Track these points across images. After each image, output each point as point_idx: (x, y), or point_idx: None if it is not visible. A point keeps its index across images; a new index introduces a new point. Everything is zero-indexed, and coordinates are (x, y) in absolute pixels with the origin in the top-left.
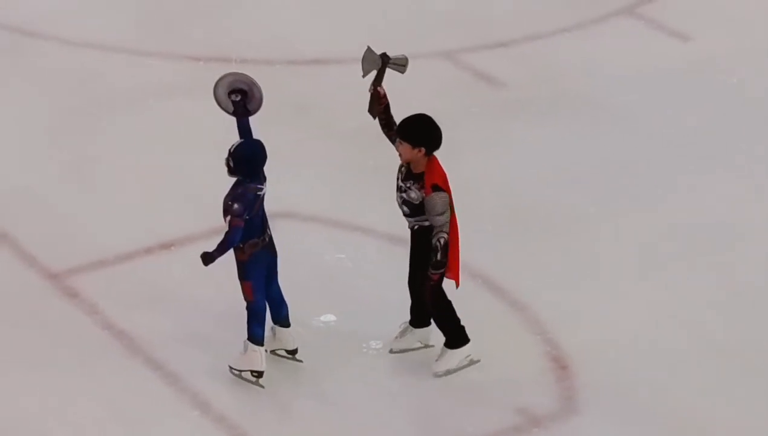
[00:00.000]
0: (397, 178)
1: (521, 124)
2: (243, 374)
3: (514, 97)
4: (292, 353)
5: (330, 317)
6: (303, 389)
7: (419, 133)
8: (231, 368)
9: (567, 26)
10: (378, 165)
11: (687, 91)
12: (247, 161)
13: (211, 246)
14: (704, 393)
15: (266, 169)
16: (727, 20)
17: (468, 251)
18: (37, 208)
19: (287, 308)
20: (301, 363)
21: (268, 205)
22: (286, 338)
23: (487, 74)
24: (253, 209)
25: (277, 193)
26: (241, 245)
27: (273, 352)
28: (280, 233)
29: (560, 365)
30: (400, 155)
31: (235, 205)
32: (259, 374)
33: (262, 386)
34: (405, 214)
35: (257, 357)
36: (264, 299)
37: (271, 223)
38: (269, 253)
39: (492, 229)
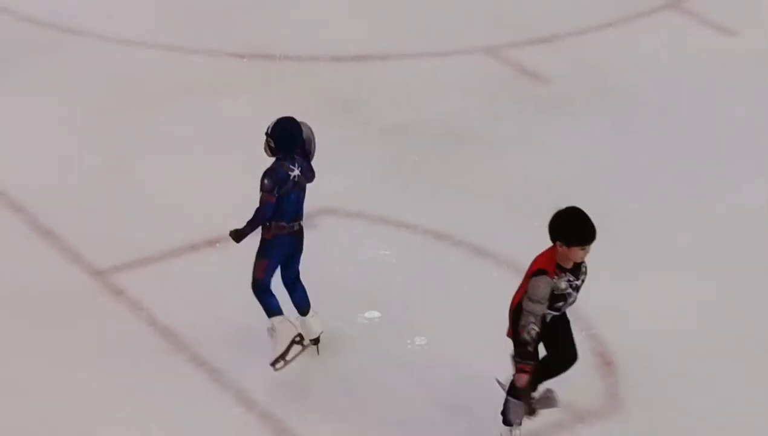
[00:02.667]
0: (573, 279)
1: (565, 120)
2: (288, 357)
3: (558, 93)
4: (315, 341)
5: (374, 314)
6: (347, 385)
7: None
8: (273, 364)
9: (611, 21)
10: (422, 161)
11: (733, 85)
12: (280, 137)
13: (255, 240)
14: (749, 392)
15: (312, 162)
16: None
17: (513, 247)
18: (82, 206)
19: (305, 292)
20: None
21: (314, 201)
22: (307, 327)
23: (531, 70)
24: (284, 187)
25: (321, 189)
26: (269, 224)
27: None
28: (324, 229)
29: (605, 361)
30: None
31: (266, 180)
32: (300, 338)
33: (318, 351)
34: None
35: (286, 327)
36: (271, 274)
37: (315, 219)
38: (295, 243)
39: (538, 225)
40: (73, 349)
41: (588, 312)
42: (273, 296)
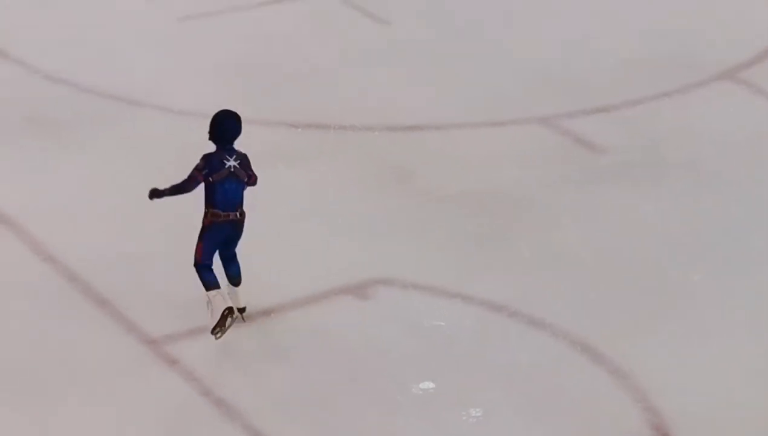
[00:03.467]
0: None
1: (622, 190)
2: (225, 326)
3: (615, 163)
4: (241, 310)
5: (429, 384)
6: None
7: None
8: (213, 333)
9: (667, 91)
10: (479, 231)
11: None
12: (215, 125)
13: (309, 313)
14: None
15: (368, 232)
16: None
17: (569, 318)
18: (137, 275)
19: (238, 267)
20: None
21: (369, 271)
22: (235, 296)
23: (587, 140)
24: (218, 174)
25: (377, 259)
26: (206, 211)
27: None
28: (379, 299)
29: (661, 434)
30: None
31: (199, 161)
32: (230, 311)
33: (244, 319)
34: None
35: (219, 300)
36: (210, 258)
37: (370, 289)
38: (232, 230)
39: (594, 296)
40: (127, 419)
41: (645, 383)
42: (211, 272)
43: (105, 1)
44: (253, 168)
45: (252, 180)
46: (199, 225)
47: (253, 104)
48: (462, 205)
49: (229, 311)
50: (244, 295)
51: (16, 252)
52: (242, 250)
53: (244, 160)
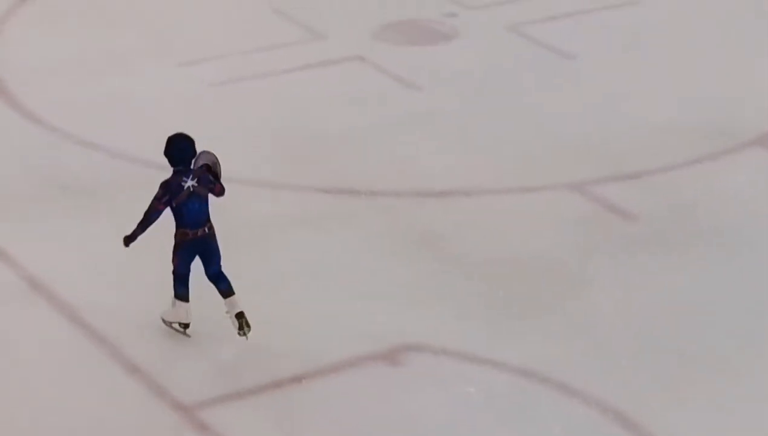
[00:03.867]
0: None
1: (654, 257)
2: (173, 324)
3: (646, 230)
4: (240, 316)
5: None
6: None
7: None
8: (162, 318)
9: (699, 157)
10: (508, 297)
11: None
12: (169, 149)
13: (339, 379)
14: None
15: (399, 298)
16: None
17: (601, 385)
18: (167, 339)
19: (227, 282)
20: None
21: (399, 337)
22: (232, 305)
23: (619, 206)
24: (177, 198)
25: (408, 325)
26: (176, 230)
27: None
28: (410, 366)
29: None
30: None
31: (158, 190)
32: (185, 326)
33: (188, 336)
34: None
35: (182, 311)
36: (186, 268)
37: (401, 355)
38: (203, 245)
39: (626, 363)
40: None
41: None
42: (183, 287)
43: (136, 67)
44: (284, 232)
45: (216, 190)
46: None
47: (283, 169)
48: (493, 271)
49: (185, 326)
50: (240, 302)
51: (48, 316)
52: (275, 314)
53: (202, 177)
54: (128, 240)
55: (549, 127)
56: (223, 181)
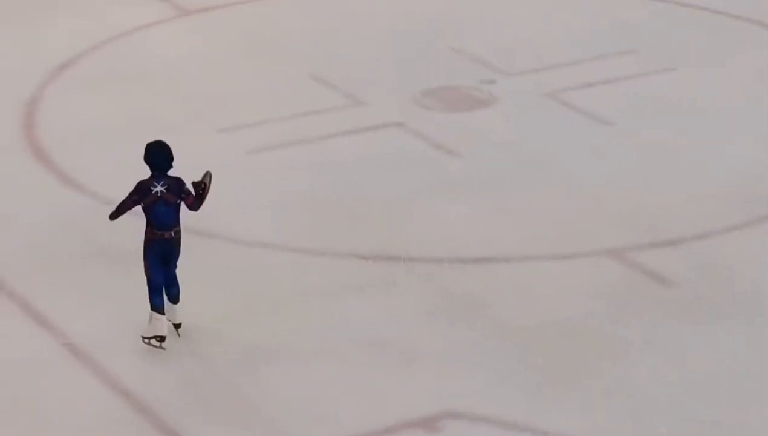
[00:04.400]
0: None
1: (693, 325)
2: (151, 341)
3: (685, 296)
4: (177, 326)
5: None
6: None
7: None
8: (142, 337)
9: (736, 224)
10: (548, 364)
11: None
12: (146, 155)
13: None
14: None
15: (437, 364)
16: None
17: None
18: (206, 406)
19: (177, 288)
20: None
21: (438, 404)
22: (173, 312)
23: (657, 272)
24: (146, 199)
25: (446, 392)
26: (146, 229)
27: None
28: (449, 433)
29: None
30: None
31: (133, 187)
32: (161, 339)
33: (164, 348)
34: None
35: (159, 325)
36: (159, 277)
37: (440, 422)
38: (167, 248)
39: (664, 430)
40: None
41: None
42: (159, 298)
43: (175, 133)
44: (323, 299)
45: (189, 202)
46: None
47: (322, 235)
48: (531, 338)
49: (161, 339)
50: (181, 313)
51: (85, 382)
52: (313, 379)
53: (173, 185)
54: (112, 216)
55: (586, 194)
56: (262, 247)
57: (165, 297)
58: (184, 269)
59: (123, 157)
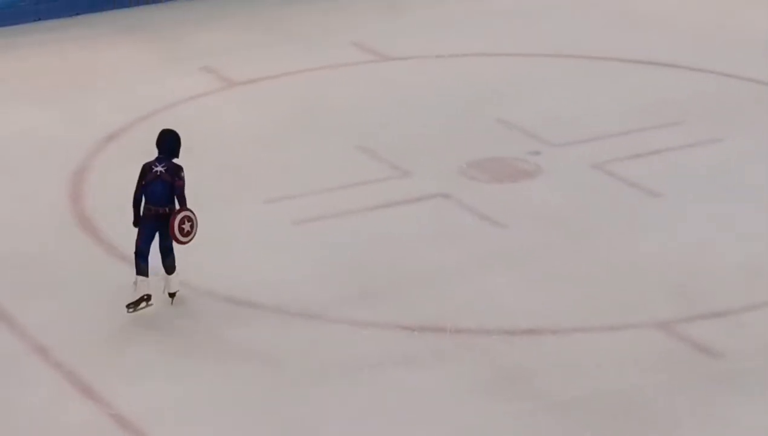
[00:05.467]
0: None
1: (742, 398)
2: (138, 306)
3: (733, 369)
4: (172, 294)
5: None
6: None
7: None
8: (128, 307)
9: None
10: None
11: None
12: (157, 137)
13: None
14: None
15: None
16: None
17: None
18: None
19: (172, 260)
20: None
21: None
22: (168, 282)
23: (706, 345)
24: (147, 178)
25: None
26: (143, 205)
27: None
28: None
29: None
30: None
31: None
32: (147, 297)
33: (152, 304)
34: None
35: (143, 286)
36: (145, 245)
37: None
38: (160, 221)
39: None
40: None
41: None
42: (145, 262)
43: (223, 204)
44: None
45: (179, 192)
46: None
47: (368, 306)
48: (579, 410)
49: (148, 297)
50: (177, 283)
51: None
52: None
53: (171, 168)
54: (136, 223)
55: (633, 265)
56: (308, 318)
57: (162, 269)
58: (231, 340)
59: None
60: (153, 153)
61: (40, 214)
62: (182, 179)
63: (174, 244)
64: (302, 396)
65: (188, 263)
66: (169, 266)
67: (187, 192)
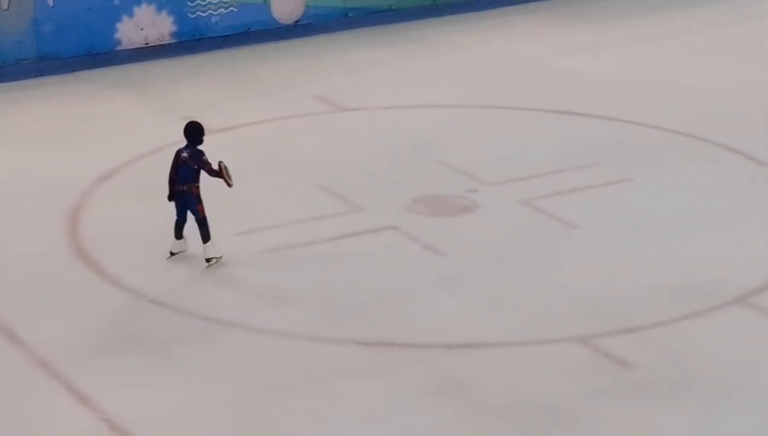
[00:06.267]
0: None
1: (651, 404)
2: (209, 263)
3: (645, 379)
4: (207, 260)
5: None
6: None
7: None
8: (208, 260)
9: (686, 314)
10: None
11: None
12: (184, 132)
13: None
14: None
15: None
16: None
17: None
18: None
19: (204, 231)
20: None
21: None
22: (205, 249)
23: (619, 357)
24: (176, 162)
25: None
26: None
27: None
28: None
29: None
30: None
31: None
32: (172, 254)
33: (207, 267)
34: None
35: (175, 246)
36: (180, 217)
37: None
38: (183, 198)
39: None
40: None
41: None
42: (180, 229)
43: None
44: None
45: (206, 169)
46: None
47: (328, 325)
48: (510, 416)
49: (216, 259)
50: (211, 250)
51: None
52: None
53: (194, 154)
54: (170, 198)
55: (557, 288)
56: (276, 335)
57: (199, 236)
58: (205, 355)
59: (157, 257)
60: (142, 192)
61: (42, 246)
62: (203, 161)
63: (207, 217)
64: (274, 405)
65: (169, 286)
66: (203, 236)
67: (169, 226)
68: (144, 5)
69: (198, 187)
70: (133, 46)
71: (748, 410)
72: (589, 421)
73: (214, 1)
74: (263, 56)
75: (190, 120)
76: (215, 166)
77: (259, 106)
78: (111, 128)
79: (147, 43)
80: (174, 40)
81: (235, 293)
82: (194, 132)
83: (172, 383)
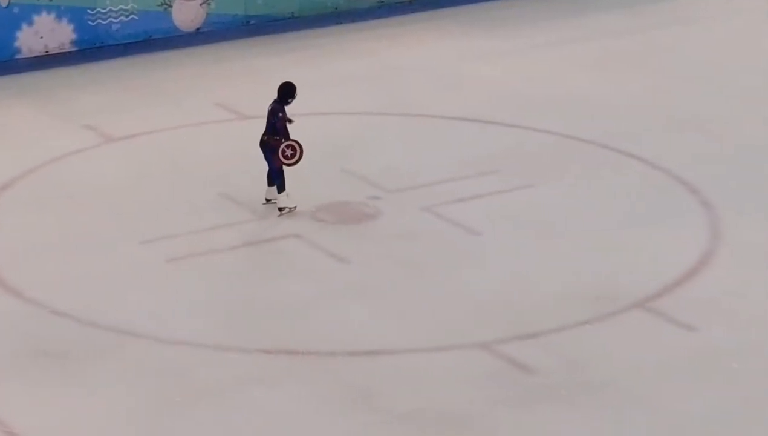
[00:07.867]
0: None
1: (551, 408)
2: (284, 212)
3: (545, 383)
4: (281, 209)
5: None
6: None
7: None
8: (281, 209)
9: (589, 319)
10: None
11: (692, 378)
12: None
13: None
14: None
15: None
16: (729, 315)
17: None
18: None
19: (274, 175)
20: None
21: None
22: (278, 199)
23: (520, 362)
24: (269, 114)
25: None
26: None
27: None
28: None
29: None
30: None
31: None
32: (289, 209)
33: (268, 202)
34: None
35: (283, 198)
36: (269, 164)
37: None
38: (266, 148)
39: None
40: None
41: None
42: (269, 176)
43: (103, 246)
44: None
45: (277, 124)
46: None
47: (233, 333)
48: (415, 422)
49: (289, 209)
50: (283, 200)
51: None
52: None
53: (274, 109)
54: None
55: (459, 294)
56: (179, 344)
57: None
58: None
59: (58, 267)
60: (41, 202)
61: None
62: (278, 118)
63: (285, 167)
64: (179, 415)
65: (75, 298)
66: (277, 186)
67: (71, 236)
68: (44, 13)
69: (277, 140)
70: (32, 55)
71: (648, 415)
72: (492, 427)
73: (115, 9)
74: (165, 64)
75: (285, 81)
76: (289, 144)
77: (161, 114)
78: (9, 137)
79: (47, 52)
80: (74, 48)
81: (138, 302)
82: (283, 91)
83: (75, 394)
